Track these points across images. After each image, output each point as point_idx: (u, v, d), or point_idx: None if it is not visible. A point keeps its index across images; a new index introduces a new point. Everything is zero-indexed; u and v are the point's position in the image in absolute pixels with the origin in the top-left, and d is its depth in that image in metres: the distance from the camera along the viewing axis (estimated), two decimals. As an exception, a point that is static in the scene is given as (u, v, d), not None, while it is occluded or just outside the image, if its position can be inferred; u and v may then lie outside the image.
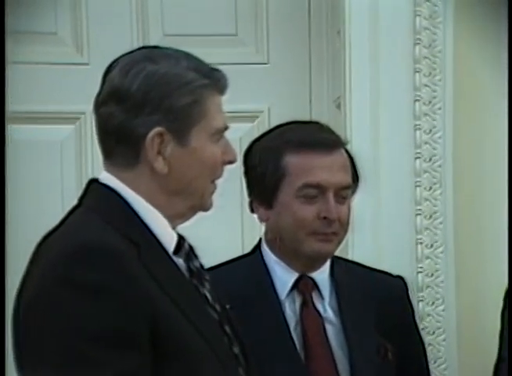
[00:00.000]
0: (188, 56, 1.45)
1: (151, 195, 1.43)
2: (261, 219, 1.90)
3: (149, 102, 1.41)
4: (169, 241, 1.44)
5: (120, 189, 1.43)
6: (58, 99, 2.87)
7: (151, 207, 1.43)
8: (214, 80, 1.44)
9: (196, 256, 1.49)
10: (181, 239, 1.46)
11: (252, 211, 1.91)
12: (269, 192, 1.85)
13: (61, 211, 2.85)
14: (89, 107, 3.10)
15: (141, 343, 1.32)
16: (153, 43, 2.91)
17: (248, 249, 2.00)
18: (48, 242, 1.40)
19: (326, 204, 1.83)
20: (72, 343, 1.29)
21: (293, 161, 1.84)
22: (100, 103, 1.44)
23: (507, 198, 2.51)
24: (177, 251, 1.45)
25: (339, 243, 1.89)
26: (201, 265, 1.49)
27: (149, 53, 1.45)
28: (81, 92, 2.89)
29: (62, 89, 2.87)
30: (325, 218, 1.83)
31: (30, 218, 2.76)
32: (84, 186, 2.84)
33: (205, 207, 1.48)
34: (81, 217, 1.42)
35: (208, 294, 1.48)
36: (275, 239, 1.89)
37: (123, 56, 1.46)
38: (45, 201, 2.84)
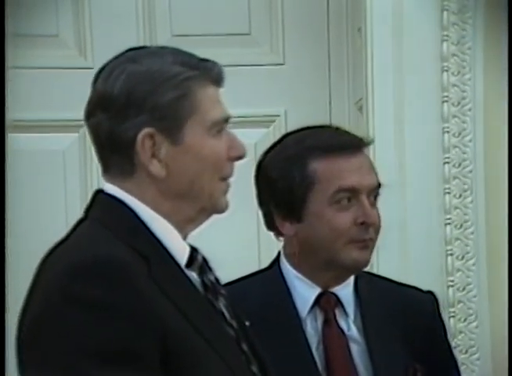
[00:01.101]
0: (175, 51, 1.44)
1: (156, 203, 1.42)
2: (287, 235, 1.88)
3: (133, 103, 1.39)
4: (181, 254, 1.42)
5: (127, 199, 1.42)
6: (60, 106, 2.87)
7: (160, 218, 1.41)
8: (204, 70, 1.42)
9: (210, 269, 1.47)
10: (193, 251, 1.45)
11: (269, 228, 1.89)
12: (297, 204, 1.83)
13: (65, 222, 2.87)
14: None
15: (148, 362, 1.31)
16: (160, 43, 2.90)
17: (265, 262, 1.98)
18: (54, 255, 1.40)
19: (361, 208, 1.82)
20: (75, 360, 1.29)
21: (321, 167, 1.83)
22: (88, 114, 1.44)
23: (507, 198, 2.48)
24: (189, 263, 1.43)
25: (373, 249, 1.88)
26: (216, 279, 1.48)
27: (132, 54, 1.44)
28: (84, 97, 2.86)
29: (64, 95, 2.87)
30: (362, 223, 1.82)
31: (33, 230, 2.76)
32: (88, 196, 2.81)
33: (217, 208, 1.45)
34: (87, 230, 1.41)
35: (225, 310, 1.46)
36: (295, 253, 1.88)
37: (110, 61, 1.45)
38: (48, 213, 2.85)
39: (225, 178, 1.45)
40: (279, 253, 1.93)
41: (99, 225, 1.41)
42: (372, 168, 1.86)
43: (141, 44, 2.88)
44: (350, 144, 1.84)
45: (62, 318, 1.30)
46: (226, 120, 1.44)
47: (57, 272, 1.34)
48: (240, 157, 1.45)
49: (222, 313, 1.45)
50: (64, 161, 2.91)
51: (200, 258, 1.45)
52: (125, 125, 1.40)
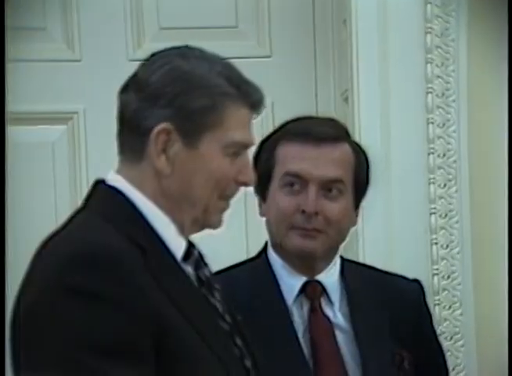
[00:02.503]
0: (227, 65, 1.45)
1: (156, 197, 1.43)
2: (260, 214, 1.92)
3: (164, 95, 1.41)
4: (177, 247, 1.43)
5: (127, 190, 1.43)
6: (49, 98, 2.88)
7: (158, 211, 1.42)
8: (243, 92, 1.44)
9: (205, 264, 1.48)
10: (190, 245, 1.46)
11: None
12: (263, 184, 1.87)
13: (54, 215, 2.89)
14: (82, 106, 3.12)
15: (142, 355, 1.32)
16: (148, 36, 2.92)
17: (253, 252, 2.01)
18: (50, 245, 1.40)
19: (306, 197, 1.83)
20: (70, 351, 1.29)
21: (281, 151, 1.86)
22: (122, 90, 1.46)
23: (507, 198, 2.51)
24: (185, 258, 1.44)
25: (329, 243, 1.87)
26: (211, 274, 1.49)
27: (185, 51, 1.46)
28: (73, 90, 2.90)
29: (53, 88, 2.87)
30: (303, 211, 1.83)
31: (22, 221, 2.77)
32: (77, 188, 2.86)
33: (209, 223, 1.46)
34: (84, 220, 1.42)
35: (219, 305, 1.47)
36: (270, 236, 1.90)
37: (164, 50, 1.47)
38: (37, 206, 2.85)
39: (225, 198, 1.46)
40: (266, 242, 1.96)
41: (97, 215, 1.41)
42: (335, 161, 1.85)
43: (128, 36, 2.90)
44: (317, 134, 1.85)
45: (57, 308, 1.31)
46: (247, 145, 1.46)
47: (53, 261, 1.34)
48: (246, 184, 1.47)
49: (216, 308, 1.46)
50: (53, 153, 2.92)
51: (196, 252, 1.46)
52: (148, 112, 1.41)
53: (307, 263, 1.89)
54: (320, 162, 1.84)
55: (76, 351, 1.29)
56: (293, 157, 1.85)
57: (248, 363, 1.47)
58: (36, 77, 2.85)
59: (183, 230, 1.45)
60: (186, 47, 1.47)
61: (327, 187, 1.85)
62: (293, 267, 1.88)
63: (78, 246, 1.35)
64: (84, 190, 3.05)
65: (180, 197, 1.43)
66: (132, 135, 1.43)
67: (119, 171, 1.46)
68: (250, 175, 1.47)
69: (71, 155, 2.90)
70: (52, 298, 1.32)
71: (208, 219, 1.45)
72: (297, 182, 1.85)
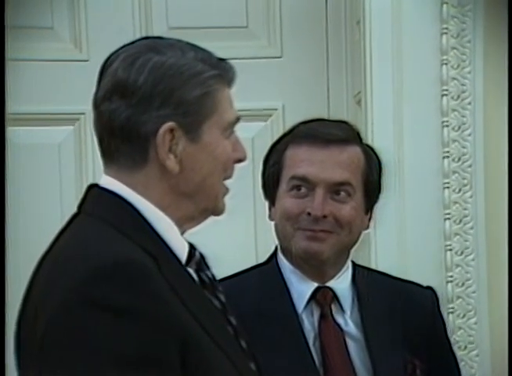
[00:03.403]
0: (193, 47, 1.44)
1: (159, 198, 1.41)
2: (270, 218, 1.92)
3: (158, 95, 1.39)
4: (181, 251, 1.43)
5: (127, 194, 1.41)
6: (55, 99, 2.87)
7: (161, 214, 1.41)
8: (222, 71, 1.43)
9: (207, 266, 1.48)
10: (191, 247, 1.45)
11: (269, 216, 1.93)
12: (272, 187, 1.88)
13: (60, 217, 2.87)
14: (89, 107, 3.10)
15: (168, 367, 1.32)
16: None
17: (263, 257, 1.99)
18: (62, 255, 1.38)
19: (312, 200, 1.83)
20: (95, 364, 1.29)
21: (289, 154, 1.87)
22: (101, 99, 1.42)
23: (507, 193, 2.49)
24: (188, 260, 1.44)
25: (338, 244, 1.86)
26: (213, 276, 1.48)
27: (153, 43, 1.43)
28: (80, 90, 2.88)
29: (60, 88, 2.87)
30: (309, 214, 1.83)
31: (28, 223, 2.76)
32: (83, 190, 2.82)
33: (218, 210, 1.46)
34: (92, 227, 1.40)
35: (223, 307, 1.47)
36: (278, 240, 1.90)
37: (122, 47, 1.45)
38: (43, 208, 2.85)
39: (226, 179, 1.46)
40: (276, 247, 1.95)
41: (101, 222, 1.39)
42: (343, 163, 1.85)
43: (137, 36, 2.88)
44: (325, 136, 1.85)
45: (83, 322, 1.29)
46: (237, 121, 1.46)
47: (74, 274, 1.32)
48: (242, 160, 1.47)
49: (222, 311, 1.46)
50: (60, 154, 2.91)
51: (197, 254, 1.46)
52: (146, 116, 1.39)
53: (316, 267, 1.88)
54: (327, 165, 1.84)
55: (102, 364, 1.29)
56: (300, 161, 1.85)
57: (253, 366, 1.47)
58: (42, 77, 2.85)
59: (189, 223, 1.45)
60: (146, 39, 1.46)
61: (335, 190, 1.85)
62: (304, 272, 1.88)
63: (100, 259, 1.33)
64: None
65: (194, 191, 1.42)
66: (129, 144, 1.40)
67: (112, 176, 1.43)
68: (243, 150, 1.47)
69: (78, 157, 2.89)
70: (76, 311, 1.30)
71: (217, 206, 1.46)
72: (304, 185, 1.85)
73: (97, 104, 1.43)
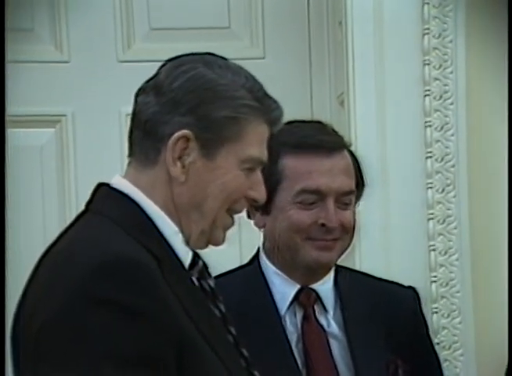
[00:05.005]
0: (249, 76, 1.46)
1: (165, 203, 1.43)
2: (257, 225, 1.92)
3: (186, 102, 1.41)
4: (185, 257, 1.45)
5: (136, 195, 1.43)
6: (36, 101, 2.88)
7: (168, 219, 1.43)
8: (265, 107, 1.45)
9: (209, 275, 1.50)
10: (195, 255, 1.47)
11: (249, 216, 1.93)
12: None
13: (42, 220, 2.88)
14: (70, 109, 3.11)
15: (166, 366, 1.33)
16: (138, 37, 2.92)
17: (246, 259, 2.01)
18: (66, 251, 1.39)
19: (325, 210, 1.84)
20: (94, 361, 1.29)
21: (290, 165, 1.85)
22: (141, 92, 1.46)
23: (507, 204, 2.51)
24: (191, 267, 1.46)
25: (343, 251, 1.90)
26: (215, 285, 1.50)
27: (209, 58, 1.45)
28: (61, 92, 2.90)
29: (40, 90, 2.88)
30: (323, 225, 1.84)
31: (10, 225, 2.76)
32: (65, 192, 2.83)
33: (214, 238, 1.46)
34: (98, 226, 1.41)
35: (222, 317, 1.48)
36: (274, 248, 1.90)
37: (187, 55, 1.48)
38: (24, 210, 2.85)
39: (232, 212, 1.47)
40: (258, 249, 1.96)
41: (108, 221, 1.41)
42: (346, 170, 1.86)
43: (118, 37, 2.90)
44: (324, 144, 1.85)
45: (83, 319, 1.30)
46: (262, 163, 1.47)
47: (78, 272, 1.33)
48: (256, 201, 1.48)
49: (222, 319, 1.48)
50: (41, 157, 2.91)
51: (200, 263, 1.48)
52: (169, 117, 1.41)
53: (317, 274, 1.89)
54: (334, 174, 1.85)
55: (100, 361, 1.30)
56: (308, 172, 1.84)
57: (257, 374, 1.50)
58: (23, 78, 2.86)
59: (189, 242, 1.45)
60: (210, 54, 1.47)
61: (341, 199, 1.86)
62: (289, 275, 1.88)
63: (103, 257, 1.34)
64: (73, 195, 3.07)
65: (190, 206, 1.43)
66: (148, 139, 1.43)
67: (126, 175, 1.46)
68: (262, 192, 1.48)
69: (59, 159, 2.90)
70: (78, 307, 1.31)
71: (214, 233, 1.46)
72: (313, 197, 1.84)
73: (137, 95, 1.46)
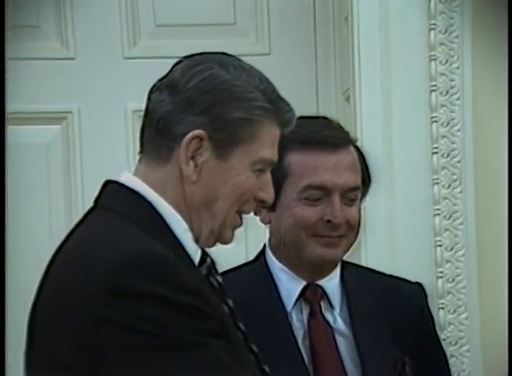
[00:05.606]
0: (263, 78, 1.48)
1: (176, 200, 1.44)
2: (263, 222, 1.92)
3: (202, 102, 1.42)
4: (195, 254, 1.46)
5: (145, 191, 1.43)
6: (42, 98, 2.88)
7: (178, 216, 1.44)
8: (278, 109, 1.46)
9: (216, 272, 1.51)
10: (203, 253, 1.48)
11: (255, 212, 1.93)
12: None
13: (48, 217, 2.89)
14: (76, 105, 3.12)
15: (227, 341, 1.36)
16: (143, 34, 2.92)
17: (252, 257, 2.01)
18: (80, 248, 1.38)
19: (330, 206, 1.84)
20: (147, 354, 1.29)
21: (295, 161, 1.85)
22: (155, 89, 1.47)
23: (507, 198, 2.51)
24: (200, 264, 1.47)
25: (348, 247, 1.90)
26: (223, 282, 1.51)
27: (224, 59, 1.46)
28: (67, 89, 2.90)
29: (46, 87, 2.88)
30: (329, 221, 1.84)
31: (15, 223, 2.77)
32: (71, 190, 2.83)
33: (223, 237, 1.47)
34: (111, 221, 1.42)
35: (231, 313, 1.49)
36: (280, 244, 1.90)
37: (201, 54, 1.49)
38: (30, 208, 2.86)
39: (242, 213, 1.48)
40: (264, 245, 1.96)
41: (119, 216, 1.41)
42: (352, 166, 1.86)
43: (124, 34, 2.91)
44: (330, 140, 1.85)
45: (118, 315, 1.30)
46: (272, 164, 1.49)
47: (100, 267, 1.32)
48: (265, 202, 1.49)
49: (231, 315, 1.49)
50: (47, 154, 2.92)
51: (208, 260, 1.49)
52: (183, 116, 1.42)
53: (323, 271, 1.89)
54: (340, 170, 1.85)
55: (155, 355, 1.29)
56: (314, 168, 1.84)
57: (267, 368, 1.51)
58: (29, 75, 2.86)
59: (198, 240, 1.46)
60: (224, 55, 1.48)
61: (347, 195, 1.86)
62: (296, 272, 1.89)
63: (128, 251, 1.34)
64: (79, 192, 3.07)
65: (201, 206, 1.44)
66: (161, 137, 1.44)
67: (136, 171, 1.47)
68: (271, 193, 1.49)
69: (65, 156, 2.90)
70: (111, 302, 1.31)
71: (223, 233, 1.47)
72: (318, 192, 1.84)
73: (151, 93, 1.47)
